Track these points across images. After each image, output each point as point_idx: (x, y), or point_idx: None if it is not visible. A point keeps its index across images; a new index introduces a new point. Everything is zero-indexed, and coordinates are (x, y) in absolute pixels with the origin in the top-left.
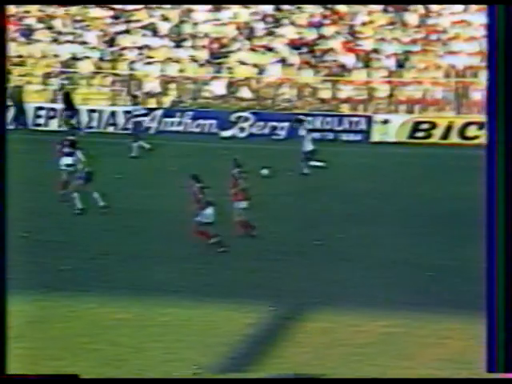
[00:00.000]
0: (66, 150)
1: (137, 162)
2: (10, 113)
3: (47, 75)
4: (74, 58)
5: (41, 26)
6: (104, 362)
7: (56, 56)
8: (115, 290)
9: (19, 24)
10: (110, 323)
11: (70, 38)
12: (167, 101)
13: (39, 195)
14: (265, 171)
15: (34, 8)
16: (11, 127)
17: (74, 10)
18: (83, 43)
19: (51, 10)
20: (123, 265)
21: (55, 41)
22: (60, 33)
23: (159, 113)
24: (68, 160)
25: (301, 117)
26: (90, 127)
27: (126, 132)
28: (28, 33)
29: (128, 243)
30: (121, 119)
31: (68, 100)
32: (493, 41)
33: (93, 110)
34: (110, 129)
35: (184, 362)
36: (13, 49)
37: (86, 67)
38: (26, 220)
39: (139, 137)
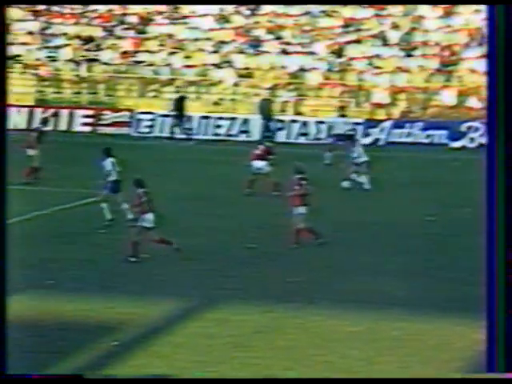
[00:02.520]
0: (259, 154)
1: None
2: (260, 126)
3: (275, 87)
4: (302, 70)
5: (270, 37)
6: (334, 373)
7: (283, 67)
8: (341, 302)
9: (248, 36)
10: (339, 336)
11: (299, 48)
12: (396, 112)
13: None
14: (346, 183)
15: (263, 19)
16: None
17: (303, 20)
18: (311, 54)
19: (281, 20)
20: (348, 277)
21: (284, 52)
22: (288, 43)
23: (388, 124)
24: (259, 164)
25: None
26: (318, 139)
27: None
28: (257, 44)
29: (351, 256)
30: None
31: (180, 106)
32: (493, 41)
33: (321, 122)
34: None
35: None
36: (241, 61)
37: (314, 78)
38: (247, 232)
39: (334, 147)
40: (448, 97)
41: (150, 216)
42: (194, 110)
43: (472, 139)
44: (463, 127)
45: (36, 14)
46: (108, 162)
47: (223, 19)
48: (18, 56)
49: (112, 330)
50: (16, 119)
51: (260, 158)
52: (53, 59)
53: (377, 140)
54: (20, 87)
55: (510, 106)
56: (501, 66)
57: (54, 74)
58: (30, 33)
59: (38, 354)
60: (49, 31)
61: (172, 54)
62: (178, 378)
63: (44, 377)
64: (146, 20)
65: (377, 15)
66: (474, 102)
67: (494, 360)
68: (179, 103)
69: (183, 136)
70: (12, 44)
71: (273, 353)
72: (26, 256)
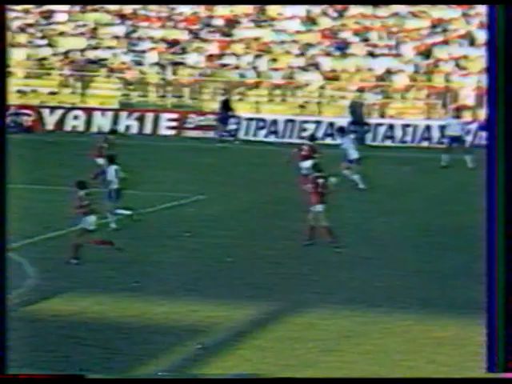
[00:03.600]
0: (305, 154)
1: (456, 177)
2: (351, 128)
3: (361, 89)
4: (389, 72)
5: (356, 39)
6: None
7: (370, 70)
8: (431, 307)
9: (334, 38)
10: (427, 341)
11: (386, 50)
12: (483, 113)
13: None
14: (333, 179)
15: (350, 21)
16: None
17: (390, 21)
18: (398, 56)
19: (368, 22)
20: (438, 282)
21: (371, 54)
22: (375, 45)
23: (474, 126)
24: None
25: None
26: (404, 141)
27: (440, 146)
28: (343, 46)
29: (441, 260)
30: (435, 133)
31: (227, 106)
32: (492, 42)
33: (407, 125)
34: (425, 143)
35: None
36: (327, 63)
37: (400, 80)
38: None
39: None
40: None
41: (91, 218)
42: (279, 112)
43: None
44: None
45: (123, 17)
46: (111, 170)
47: (310, 21)
48: (104, 60)
49: (198, 332)
50: (101, 122)
51: (306, 157)
52: (138, 63)
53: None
54: (105, 90)
55: (510, 110)
56: (501, 69)
57: (140, 77)
58: (116, 37)
59: (123, 355)
60: (135, 35)
61: (258, 56)
62: (178, 378)
63: (44, 376)
64: (232, 23)
65: (464, 15)
66: None
67: (494, 360)
68: (225, 104)
69: (228, 138)
70: (98, 48)
71: (359, 357)
72: (112, 258)
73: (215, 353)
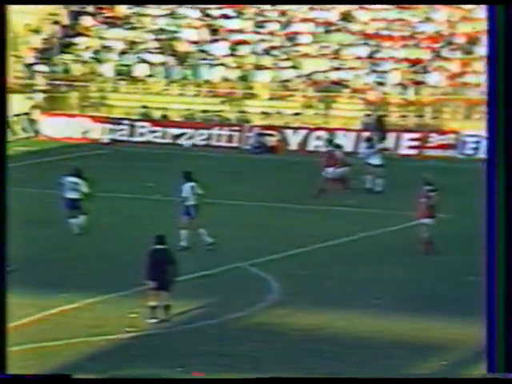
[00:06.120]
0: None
1: None
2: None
3: None
4: None
5: None
6: None
7: None
8: None
9: None
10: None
11: None
12: None
13: None
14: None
15: None
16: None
17: None
18: None
19: None
20: None
21: None
22: None
23: None
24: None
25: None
26: None
27: None
28: None
29: None
30: None
31: (379, 125)
32: (493, 42)
33: None
34: None
35: None
36: None
37: None
38: None
39: None
40: None
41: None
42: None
43: None
44: None
45: (366, 37)
46: (187, 187)
47: None
48: (347, 81)
49: (442, 350)
50: (344, 142)
51: (331, 164)
52: (381, 83)
53: None
54: (348, 111)
55: (510, 115)
56: (501, 71)
57: (382, 98)
58: (359, 58)
59: (364, 370)
60: (378, 55)
61: None
62: (178, 378)
63: (31, 376)
64: (473, 40)
65: None
66: None
67: (494, 360)
68: (378, 122)
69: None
70: (341, 69)
71: None
72: (351, 276)
73: (460, 370)
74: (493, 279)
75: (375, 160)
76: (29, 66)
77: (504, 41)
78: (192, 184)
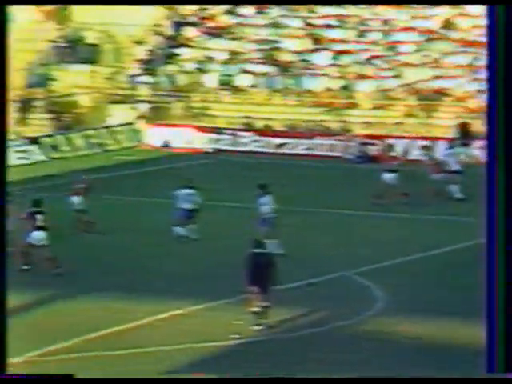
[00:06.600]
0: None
1: None
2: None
3: None
4: None
5: None
6: None
7: None
8: None
9: None
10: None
11: None
12: None
13: None
14: None
15: None
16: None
17: None
18: None
19: None
20: None
21: None
22: None
23: None
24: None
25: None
26: None
27: None
28: None
29: None
30: None
31: (465, 131)
32: (493, 43)
33: None
34: None
35: None
36: None
37: None
38: None
39: None
40: None
41: (39, 234)
42: None
43: None
44: None
45: (466, 45)
46: (266, 199)
47: None
48: (448, 89)
49: None
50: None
51: (390, 171)
52: (481, 91)
53: None
54: (449, 120)
55: (510, 118)
56: (501, 68)
57: (482, 106)
58: (460, 66)
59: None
60: (478, 63)
61: None
62: (178, 378)
63: (35, 377)
64: None
65: None
66: None
67: (494, 360)
68: (464, 128)
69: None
70: (442, 77)
71: None
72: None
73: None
74: (493, 279)
75: (455, 166)
76: (133, 77)
77: (504, 43)
78: (268, 197)
